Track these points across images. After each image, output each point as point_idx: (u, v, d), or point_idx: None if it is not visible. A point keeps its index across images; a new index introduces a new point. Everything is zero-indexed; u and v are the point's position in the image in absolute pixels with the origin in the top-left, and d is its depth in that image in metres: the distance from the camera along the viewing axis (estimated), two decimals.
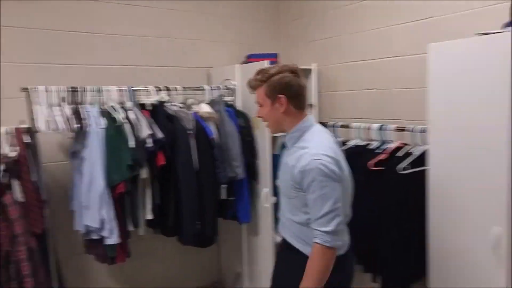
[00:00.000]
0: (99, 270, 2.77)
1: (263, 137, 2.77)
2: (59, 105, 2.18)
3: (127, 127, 2.23)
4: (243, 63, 3.13)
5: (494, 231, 1.75)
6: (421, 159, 2.15)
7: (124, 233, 2.27)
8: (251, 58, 3.13)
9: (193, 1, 3.11)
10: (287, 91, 1.60)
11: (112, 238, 2.17)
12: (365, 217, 2.32)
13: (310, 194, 1.52)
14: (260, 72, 1.65)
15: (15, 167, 2.04)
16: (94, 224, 2.13)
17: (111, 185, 2.18)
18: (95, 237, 2.18)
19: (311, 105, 3.13)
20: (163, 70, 2.98)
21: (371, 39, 2.81)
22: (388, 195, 2.25)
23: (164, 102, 2.47)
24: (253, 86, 1.67)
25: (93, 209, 2.13)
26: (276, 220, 2.05)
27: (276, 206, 2.28)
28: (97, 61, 2.71)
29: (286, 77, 1.60)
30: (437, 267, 2.02)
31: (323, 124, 2.91)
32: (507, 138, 1.69)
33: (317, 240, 1.50)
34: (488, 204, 1.79)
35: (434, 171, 2.01)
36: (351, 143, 2.62)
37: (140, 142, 2.23)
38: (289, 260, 1.72)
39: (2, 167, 1.99)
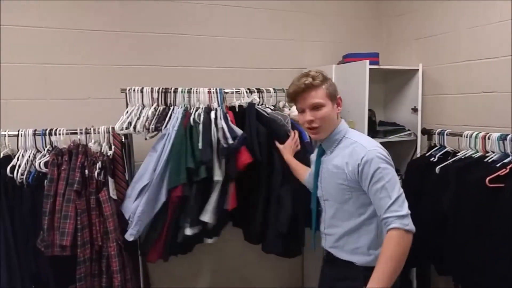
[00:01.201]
0: (184, 270, 2.78)
1: None
2: (150, 106, 2.21)
3: (200, 127, 2.15)
4: (340, 63, 2.94)
5: None
6: None
7: (166, 239, 2.20)
8: (348, 57, 2.92)
9: (288, 1, 3.00)
10: (337, 94, 1.70)
11: (129, 234, 2.10)
12: (474, 241, 2.06)
13: (374, 184, 1.51)
14: (310, 75, 1.66)
15: (111, 165, 2.11)
16: (126, 213, 2.12)
17: (170, 188, 2.10)
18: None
19: (415, 109, 2.81)
20: (256, 72, 2.91)
21: (491, 34, 2.42)
22: (507, 217, 1.90)
23: (254, 103, 2.38)
24: (315, 86, 1.64)
25: (130, 201, 2.12)
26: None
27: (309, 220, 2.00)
28: (188, 63, 2.74)
29: (333, 83, 1.71)
30: None
31: (428, 131, 2.63)
32: None
33: (395, 225, 1.45)
34: None
35: None
36: (462, 154, 2.28)
37: (211, 142, 2.13)
38: (344, 276, 1.67)
39: (100, 165, 2.07)
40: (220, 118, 2.21)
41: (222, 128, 2.18)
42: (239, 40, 2.88)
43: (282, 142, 2.26)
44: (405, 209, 1.48)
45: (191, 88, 2.29)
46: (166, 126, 2.19)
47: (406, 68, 2.84)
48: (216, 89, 2.30)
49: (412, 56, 3.00)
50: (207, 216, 2.17)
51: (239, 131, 2.21)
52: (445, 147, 2.46)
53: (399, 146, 2.81)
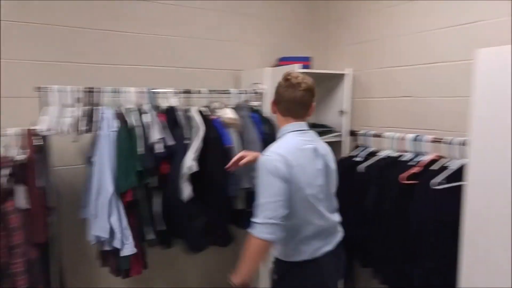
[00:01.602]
0: (112, 281, 2.60)
1: None
2: (73, 106, 2.12)
3: (138, 131, 2.15)
4: (274, 66, 3.01)
5: None
6: (458, 174, 1.94)
7: (140, 243, 2.17)
8: (282, 61, 3.00)
9: (225, 1, 3.01)
10: (276, 96, 1.80)
11: (126, 249, 2.06)
12: (396, 233, 2.20)
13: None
14: None
15: (22, 172, 1.91)
16: (103, 234, 2.03)
17: (120, 192, 2.08)
18: (107, 248, 2.08)
19: (341, 112, 2.95)
20: (191, 72, 2.89)
21: (411, 44, 2.60)
22: (420, 211, 2.05)
23: (174, 106, 2.36)
24: None
25: (102, 218, 2.03)
26: None
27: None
28: (118, 61, 2.64)
29: (278, 83, 1.78)
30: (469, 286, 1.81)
31: (354, 133, 2.77)
32: None
33: (249, 229, 1.62)
34: None
35: (473, 187, 1.79)
36: (383, 153, 2.42)
37: (151, 147, 2.15)
38: None
39: (7, 171, 1.87)
40: (156, 124, 2.20)
41: (155, 133, 2.18)
42: (172, 38, 2.82)
43: (178, 150, 2.24)
44: (261, 217, 1.58)
45: (118, 88, 2.25)
46: (98, 127, 2.12)
47: (336, 73, 2.97)
48: (145, 89, 2.27)
49: (344, 61, 3.14)
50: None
51: (171, 140, 2.21)
52: (369, 148, 2.60)
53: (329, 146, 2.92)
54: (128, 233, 2.08)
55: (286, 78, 1.74)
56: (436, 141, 2.18)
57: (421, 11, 2.53)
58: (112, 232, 2.04)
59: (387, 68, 2.77)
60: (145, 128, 2.18)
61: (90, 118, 2.13)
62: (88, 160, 2.17)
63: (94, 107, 2.16)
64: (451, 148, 2.10)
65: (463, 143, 2.00)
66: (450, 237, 1.91)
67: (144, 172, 2.12)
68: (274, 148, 1.69)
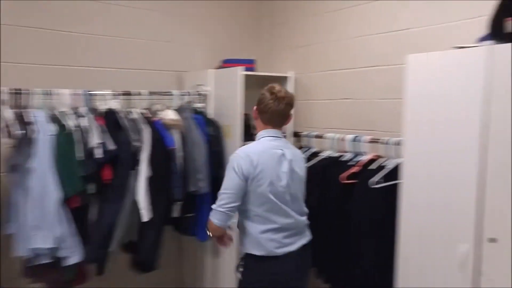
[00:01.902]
0: None
1: (234, 146, 2.62)
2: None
3: (76, 136, 2.04)
4: (218, 68, 2.99)
5: (460, 249, 1.68)
6: (394, 173, 2.02)
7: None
8: (226, 63, 2.98)
9: (168, 1, 2.94)
10: (261, 106, 1.94)
11: (74, 257, 1.96)
12: (338, 233, 2.26)
13: None
14: None
15: None
16: (48, 244, 1.90)
17: (65, 199, 1.97)
18: (46, 260, 1.94)
19: None
20: (132, 74, 2.79)
21: (350, 48, 2.70)
22: (360, 209, 2.13)
23: (114, 109, 2.27)
24: None
25: (46, 228, 1.90)
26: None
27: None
28: (51, 61, 2.48)
29: (262, 95, 1.95)
30: (405, 284, 1.90)
31: (297, 134, 2.82)
32: (478, 154, 1.63)
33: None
34: (456, 221, 1.71)
35: (407, 185, 1.89)
36: (324, 154, 2.48)
37: (90, 153, 2.05)
38: None
39: None
40: (95, 128, 2.11)
41: (94, 138, 2.08)
42: (111, 38, 2.71)
43: (123, 153, 2.19)
44: (216, 205, 1.85)
45: (50, 90, 2.12)
46: (31, 131, 1.98)
47: (278, 75, 3.00)
48: (81, 91, 2.17)
49: (287, 64, 3.18)
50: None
51: (111, 145, 2.12)
52: (312, 148, 2.66)
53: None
54: (76, 240, 2.00)
55: (272, 92, 1.92)
56: (373, 141, 2.27)
57: (359, 17, 2.63)
58: (59, 241, 1.93)
59: (328, 71, 2.85)
60: (84, 132, 2.08)
61: (21, 121, 1.99)
62: (13, 168, 2.01)
63: (23, 110, 2.02)
64: (388, 148, 2.19)
65: (398, 143, 2.09)
66: (388, 236, 1.98)
67: (85, 178, 2.03)
68: (244, 148, 1.93)
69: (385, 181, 2.05)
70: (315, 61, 2.96)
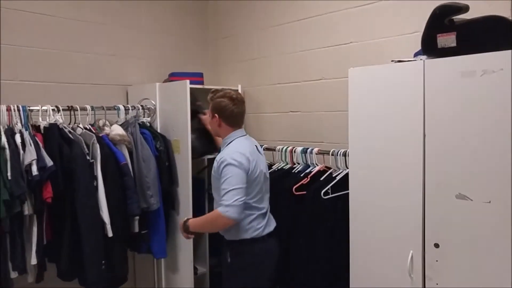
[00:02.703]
0: None
1: (184, 161, 2.59)
2: None
3: (7, 154, 1.90)
4: (165, 82, 2.95)
5: (409, 255, 1.76)
6: (343, 183, 2.08)
7: (3, 283, 1.92)
8: (173, 76, 2.94)
9: (111, 13, 2.85)
10: (223, 112, 2.10)
11: None
12: (289, 243, 2.27)
13: (221, 178, 1.97)
14: (212, 92, 2.18)
15: None
16: None
17: None
18: None
19: None
20: (75, 88, 2.67)
21: (296, 61, 2.77)
22: (310, 220, 2.17)
23: (57, 123, 2.16)
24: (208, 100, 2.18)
25: None
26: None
27: None
28: None
29: (223, 102, 2.10)
30: None
31: None
32: (420, 162, 1.71)
33: (218, 208, 1.94)
34: (404, 228, 1.78)
35: (354, 195, 1.96)
36: (275, 166, 2.51)
37: (21, 171, 1.92)
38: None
39: None
40: (30, 144, 1.97)
41: (27, 155, 1.95)
42: (53, 52, 2.59)
43: (81, 167, 2.13)
44: (231, 200, 1.89)
45: None
46: None
47: (227, 88, 3.00)
48: (18, 106, 2.04)
49: (234, 77, 3.20)
50: (34, 258, 2.00)
51: (49, 161, 1.99)
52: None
53: None
54: None
55: (231, 98, 2.11)
56: (321, 153, 2.33)
57: (303, 32, 2.72)
58: None
59: (275, 85, 2.91)
60: (16, 149, 1.94)
61: None
62: None
63: None
64: (336, 159, 2.26)
65: (345, 154, 2.17)
66: (339, 244, 2.04)
67: (13, 200, 1.87)
68: (233, 149, 2.03)
69: (333, 192, 2.11)
70: (261, 75, 3.01)
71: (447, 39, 1.68)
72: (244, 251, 2.06)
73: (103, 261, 2.14)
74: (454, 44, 1.66)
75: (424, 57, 1.76)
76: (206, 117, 2.46)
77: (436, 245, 1.69)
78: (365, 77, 1.90)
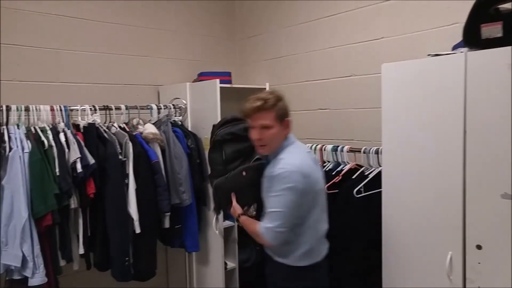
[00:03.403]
0: None
1: None
2: None
3: (54, 152, 2.01)
4: (195, 81, 3.00)
5: (448, 256, 1.71)
6: (376, 181, 2.07)
7: (53, 270, 2.03)
8: (202, 76, 2.99)
9: (143, 16, 2.94)
10: (288, 115, 1.86)
11: (36, 278, 1.92)
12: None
13: (269, 192, 1.76)
14: (262, 98, 1.80)
15: None
16: (15, 262, 1.88)
17: (37, 217, 1.93)
18: (17, 276, 1.92)
19: None
20: (110, 88, 2.77)
21: (325, 59, 2.77)
22: (343, 219, 2.16)
23: (95, 123, 2.25)
24: (265, 109, 1.78)
25: (13, 246, 1.88)
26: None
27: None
28: (29, 77, 2.46)
29: (284, 104, 1.85)
30: None
31: None
32: (461, 160, 1.65)
33: (260, 229, 1.76)
34: (442, 228, 1.73)
35: (387, 193, 1.93)
36: None
37: (67, 168, 2.02)
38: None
39: None
40: (74, 143, 2.07)
41: (72, 153, 2.05)
42: (90, 54, 2.70)
43: (113, 165, 2.19)
44: (273, 224, 1.72)
45: (28, 106, 2.07)
46: (9, 148, 1.94)
47: (255, 87, 3.04)
48: (60, 107, 2.13)
49: (261, 76, 3.23)
50: (81, 248, 2.12)
51: (91, 160, 2.09)
52: None
53: None
54: (40, 261, 1.96)
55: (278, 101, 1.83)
56: (353, 150, 2.33)
57: (330, 28, 2.71)
58: (24, 260, 1.90)
59: (304, 82, 2.92)
60: (62, 148, 2.04)
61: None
62: None
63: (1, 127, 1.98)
64: (368, 157, 2.26)
65: (378, 152, 2.16)
66: (373, 242, 2.02)
67: (62, 194, 1.99)
68: (290, 160, 1.76)
69: (367, 190, 2.11)
70: (289, 72, 3.02)
71: (492, 29, 1.57)
72: (303, 277, 1.82)
73: (126, 258, 2.22)
74: (500, 35, 1.56)
75: (465, 49, 1.66)
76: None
77: (479, 247, 1.63)
78: (400, 72, 1.85)
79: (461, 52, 1.65)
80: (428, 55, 1.81)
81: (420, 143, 1.79)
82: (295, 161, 1.76)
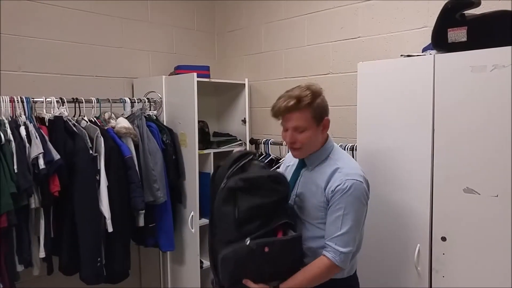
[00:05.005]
0: None
1: (190, 154, 2.57)
2: None
3: (12, 147, 1.87)
4: (171, 75, 2.92)
5: (416, 249, 1.77)
6: None
7: (9, 276, 1.89)
8: (179, 69, 2.91)
9: (118, 5, 2.81)
10: (328, 113, 1.59)
11: None
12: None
13: (334, 210, 1.49)
14: (296, 96, 1.54)
15: None
16: None
17: None
18: None
19: (244, 120, 2.98)
20: (80, 80, 2.63)
21: (303, 56, 2.75)
22: None
23: (62, 116, 2.13)
24: (299, 109, 1.53)
25: None
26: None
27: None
28: None
29: (324, 99, 1.59)
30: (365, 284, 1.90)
31: (255, 141, 2.82)
32: (429, 158, 1.73)
33: (329, 255, 1.48)
34: (412, 222, 1.80)
35: None
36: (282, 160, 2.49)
37: (27, 165, 1.90)
38: None
39: None
40: (36, 137, 1.95)
41: (34, 148, 1.93)
42: (58, 43, 2.55)
43: (82, 161, 2.07)
44: (348, 247, 1.47)
45: None
46: None
47: (235, 82, 2.99)
48: (21, 98, 2.01)
49: (241, 71, 3.18)
50: (42, 252, 1.98)
51: (55, 155, 1.97)
52: (270, 155, 2.66)
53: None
54: None
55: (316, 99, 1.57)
56: None
57: (310, 26, 2.70)
58: None
59: (282, 79, 2.88)
60: (22, 142, 1.92)
61: None
62: None
63: None
64: None
65: (354, 148, 2.15)
66: None
67: (20, 193, 1.86)
68: (352, 170, 1.52)
69: None
70: (268, 69, 2.98)
71: (457, 34, 1.69)
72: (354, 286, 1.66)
73: (99, 258, 2.11)
74: (464, 39, 1.67)
75: (434, 51, 1.76)
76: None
77: (443, 239, 1.71)
78: (375, 71, 1.91)
79: (430, 54, 1.75)
80: (401, 55, 1.90)
81: (391, 140, 1.85)
82: (356, 170, 1.52)
